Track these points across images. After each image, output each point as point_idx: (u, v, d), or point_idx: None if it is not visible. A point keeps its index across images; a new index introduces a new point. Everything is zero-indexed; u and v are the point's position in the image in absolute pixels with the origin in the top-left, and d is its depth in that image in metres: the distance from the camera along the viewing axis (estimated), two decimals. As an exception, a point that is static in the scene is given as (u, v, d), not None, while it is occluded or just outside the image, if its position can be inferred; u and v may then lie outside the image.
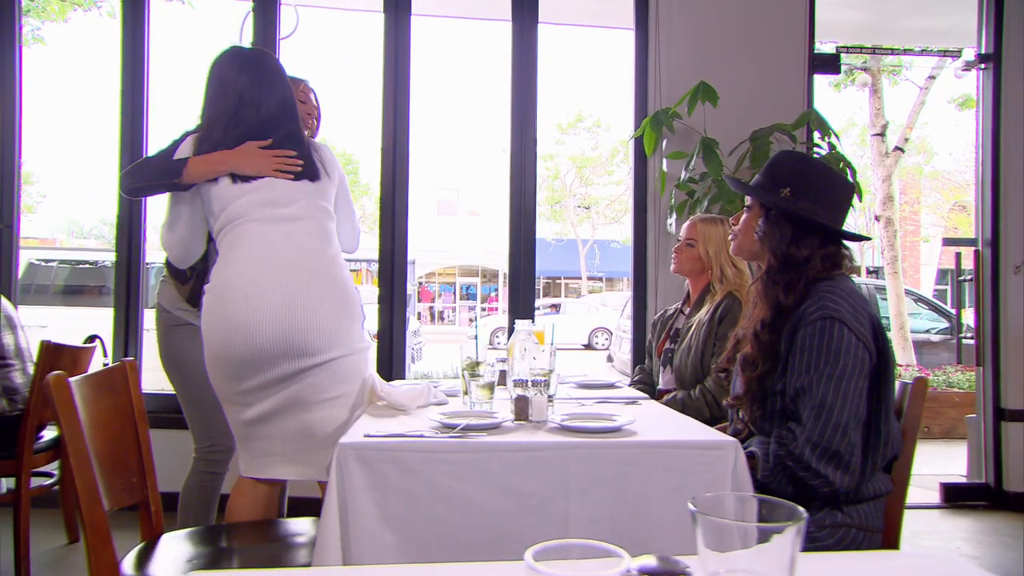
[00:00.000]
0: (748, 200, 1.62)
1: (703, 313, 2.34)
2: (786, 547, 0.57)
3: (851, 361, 1.36)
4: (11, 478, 2.70)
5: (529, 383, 1.59)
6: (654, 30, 3.36)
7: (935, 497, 3.71)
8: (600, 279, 20.07)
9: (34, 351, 2.59)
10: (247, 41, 3.37)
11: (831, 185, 1.52)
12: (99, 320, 3.45)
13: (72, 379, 1.27)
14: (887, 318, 7.34)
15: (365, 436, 1.38)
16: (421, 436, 1.39)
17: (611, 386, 2.22)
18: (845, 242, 1.54)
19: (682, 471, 1.38)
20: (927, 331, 7.88)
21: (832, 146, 3.01)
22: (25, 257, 6.32)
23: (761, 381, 1.48)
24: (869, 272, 15.99)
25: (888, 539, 1.47)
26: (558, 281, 20.53)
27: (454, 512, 1.34)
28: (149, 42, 3.42)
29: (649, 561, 0.57)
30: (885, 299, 7.40)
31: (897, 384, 1.54)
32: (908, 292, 7.90)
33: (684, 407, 2.15)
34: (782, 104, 3.28)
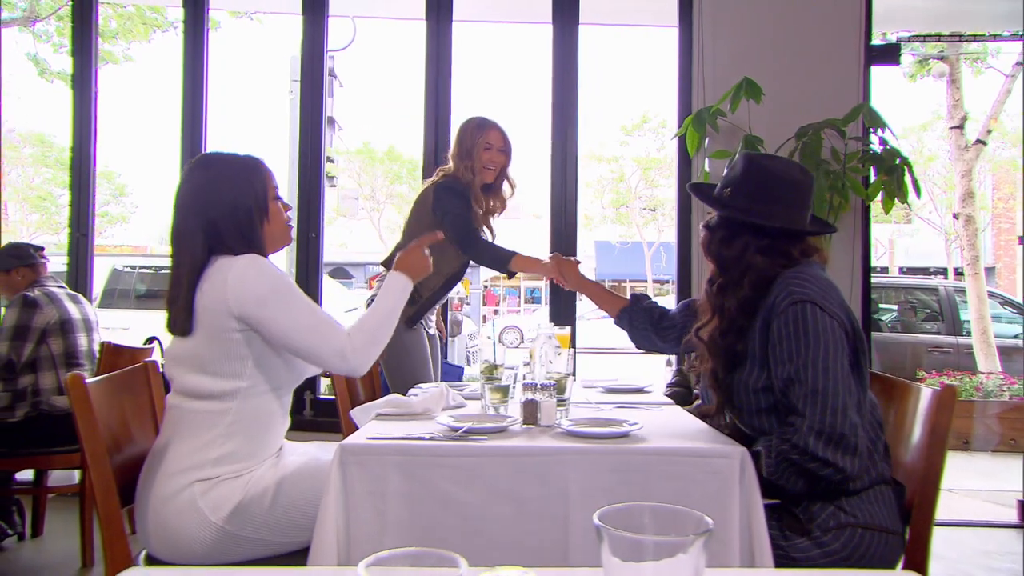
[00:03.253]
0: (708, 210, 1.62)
1: None
2: (691, 560, 0.55)
3: (831, 341, 1.32)
4: (79, 470, 2.91)
5: (538, 387, 1.58)
6: (698, 26, 3.28)
7: (1013, 516, 3.45)
8: (666, 282, 19.73)
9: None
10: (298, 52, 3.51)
11: (772, 181, 1.47)
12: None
13: (93, 379, 1.35)
14: (967, 322, 6.88)
15: (368, 439, 1.40)
16: (421, 439, 1.40)
17: (639, 391, 2.18)
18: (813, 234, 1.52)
19: (685, 479, 1.34)
20: (1016, 336, 7.34)
21: (884, 141, 2.86)
22: (111, 264, 6.78)
23: (728, 387, 1.46)
24: (957, 274, 15.03)
25: (914, 560, 1.37)
26: (623, 284, 20.29)
27: (453, 516, 1.34)
28: (208, 60, 3.60)
29: (512, 573, 0.55)
30: (965, 302, 6.93)
31: (927, 392, 1.44)
32: (992, 294, 7.38)
33: (705, 417, 2.08)
34: (835, 98, 3.13)
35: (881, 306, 6.97)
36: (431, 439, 1.40)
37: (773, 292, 1.40)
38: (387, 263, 2.64)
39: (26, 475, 3.06)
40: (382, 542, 1.32)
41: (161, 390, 1.53)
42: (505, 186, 2.71)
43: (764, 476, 1.33)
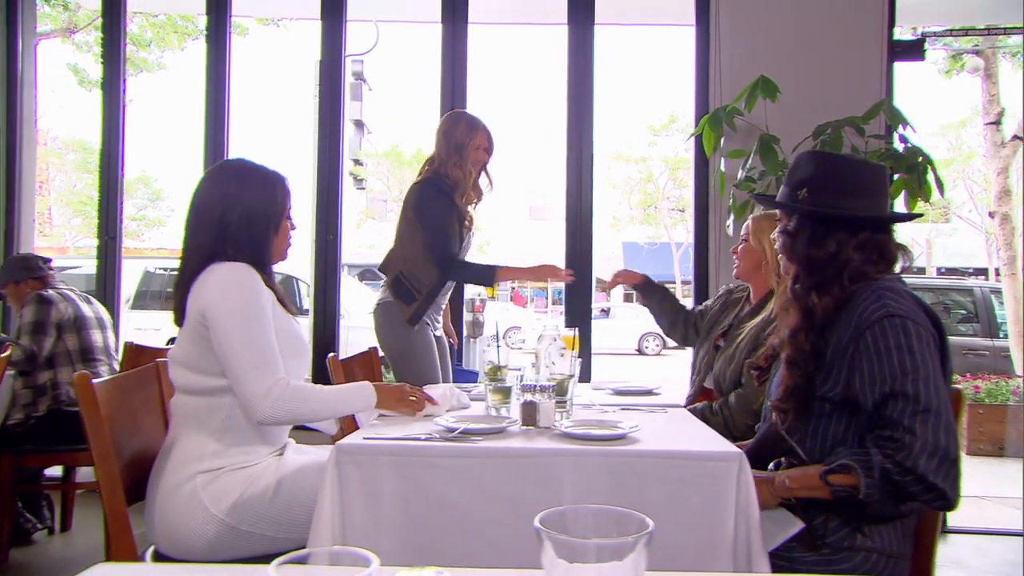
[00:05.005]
0: (779, 216, 1.50)
1: (757, 322, 2.22)
2: (631, 563, 0.55)
3: (931, 359, 1.25)
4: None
5: (537, 388, 1.58)
6: (715, 24, 3.25)
7: (1052, 523, 3.34)
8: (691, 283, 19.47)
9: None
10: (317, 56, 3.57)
11: (850, 173, 1.40)
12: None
13: (100, 379, 1.39)
14: (1004, 324, 6.67)
15: (364, 439, 1.41)
16: (416, 439, 1.41)
17: (648, 392, 2.16)
18: (897, 235, 1.42)
19: (681, 482, 1.32)
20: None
21: (905, 138, 2.79)
22: (143, 266, 6.95)
23: (808, 381, 1.36)
24: (999, 274, 14.60)
25: (920, 567, 1.34)
26: (651, 285, 20.01)
27: (448, 517, 1.34)
28: (230, 66, 3.67)
29: (429, 572, 0.56)
30: (1003, 303, 6.72)
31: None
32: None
33: (704, 419, 2.05)
34: (856, 96, 3.07)
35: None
36: (427, 439, 1.40)
37: (861, 299, 1.32)
38: (383, 268, 2.64)
39: (55, 471, 3.15)
40: (377, 542, 1.34)
41: (172, 388, 1.57)
42: (483, 178, 2.71)
43: (860, 497, 1.24)
